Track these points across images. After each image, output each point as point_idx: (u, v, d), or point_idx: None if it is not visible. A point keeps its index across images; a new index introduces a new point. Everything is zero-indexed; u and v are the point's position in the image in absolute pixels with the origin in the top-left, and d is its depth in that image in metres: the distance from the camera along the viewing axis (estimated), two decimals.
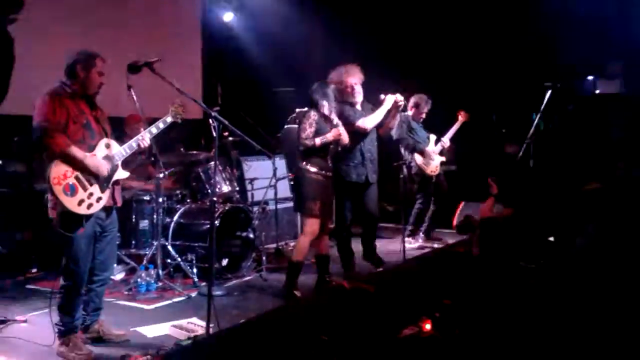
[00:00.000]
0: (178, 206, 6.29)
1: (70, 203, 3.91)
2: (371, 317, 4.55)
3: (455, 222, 8.02)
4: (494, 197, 4.88)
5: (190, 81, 8.23)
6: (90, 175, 4.01)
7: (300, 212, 5.63)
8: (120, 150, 4.24)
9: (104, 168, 4.07)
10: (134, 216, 6.10)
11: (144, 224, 6.13)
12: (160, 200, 5.88)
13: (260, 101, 8.90)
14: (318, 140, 5.31)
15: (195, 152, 6.45)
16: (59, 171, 3.89)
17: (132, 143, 4.31)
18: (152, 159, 5.73)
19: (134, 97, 4.64)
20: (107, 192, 4.14)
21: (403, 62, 8.57)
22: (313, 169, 5.37)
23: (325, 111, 5.41)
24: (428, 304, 4.40)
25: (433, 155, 7.46)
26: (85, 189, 3.98)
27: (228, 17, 9.02)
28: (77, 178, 3.95)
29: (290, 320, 4.82)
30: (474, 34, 8.53)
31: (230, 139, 6.91)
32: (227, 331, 4.44)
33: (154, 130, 4.47)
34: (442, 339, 3.94)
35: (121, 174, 4.27)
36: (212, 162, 6.19)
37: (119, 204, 4.34)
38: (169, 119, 4.63)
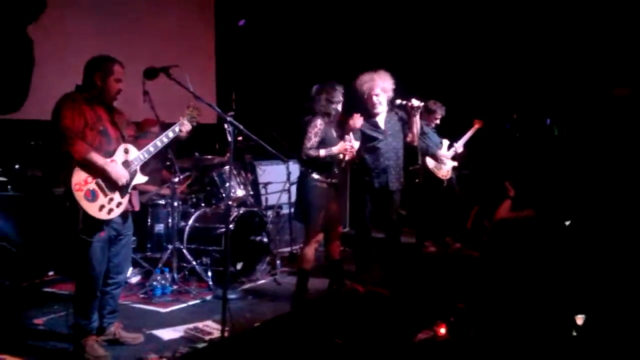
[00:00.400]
0: (193, 210, 6.33)
1: (92, 208, 3.95)
2: (386, 321, 4.55)
3: (469, 226, 8.00)
4: (511, 199, 4.85)
5: (205, 86, 8.28)
6: (110, 181, 4.04)
7: (304, 223, 5.41)
8: (138, 155, 4.26)
9: (124, 175, 4.10)
10: (149, 220, 6.14)
11: (160, 227, 6.17)
12: (176, 204, 5.92)
13: (274, 106, 8.93)
14: (323, 152, 5.14)
15: (209, 156, 6.48)
16: (79, 177, 3.92)
17: (150, 147, 4.32)
18: (168, 163, 5.78)
19: (151, 102, 4.68)
20: (127, 197, 4.18)
21: (419, 68, 8.57)
22: (317, 177, 5.23)
23: (318, 125, 5.19)
24: (442, 308, 4.40)
25: (445, 160, 7.46)
26: (105, 195, 4.02)
27: (242, 22, 9.06)
28: (97, 184, 3.99)
29: (304, 323, 4.83)
30: (488, 39, 8.52)
31: (244, 143, 6.93)
32: (242, 334, 4.46)
33: (170, 134, 4.47)
34: (457, 343, 3.94)
35: (140, 178, 4.30)
36: (227, 167, 6.23)
37: (137, 208, 4.37)
38: (185, 122, 4.62)
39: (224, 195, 6.25)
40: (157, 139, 4.37)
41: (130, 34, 7.39)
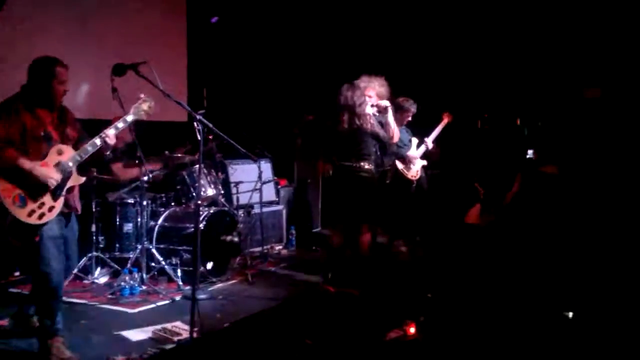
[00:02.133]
0: (162, 209, 6.26)
1: (21, 214, 3.85)
2: (356, 320, 4.56)
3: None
4: (481, 202, 4.91)
5: (176, 84, 8.19)
6: (40, 185, 3.91)
7: (364, 213, 5.59)
8: (74, 156, 4.08)
9: (53, 177, 3.94)
10: (117, 219, 6.06)
11: (128, 227, 6.09)
12: (145, 203, 5.86)
13: (245, 105, 8.89)
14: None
15: (179, 155, 6.42)
16: (6, 184, 3.83)
17: (88, 147, 4.12)
18: (136, 161, 5.71)
19: (120, 99, 4.59)
20: (61, 200, 4.03)
21: (392, 65, 8.59)
22: (368, 167, 5.60)
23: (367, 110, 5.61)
24: (412, 307, 4.42)
25: (414, 160, 7.42)
26: (35, 200, 3.90)
27: (214, 20, 8.99)
28: (25, 190, 3.87)
29: (274, 324, 4.82)
30: (461, 36, 8.57)
31: (215, 142, 6.88)
32: (211, 335, 4.43)
33: (112, 130, 4.25)
34: (426, 342, 3.96)
35: (76, 179, 4.14)
36: (197, 165, 6.17)
37: (79, 211, 4.27)
38: (129, 118, 4.41)
39: (194, 194, 6.20)
40: (96, 136, 4.18)
41: (101, 30, 7.27)
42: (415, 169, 7.37)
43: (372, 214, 5.61)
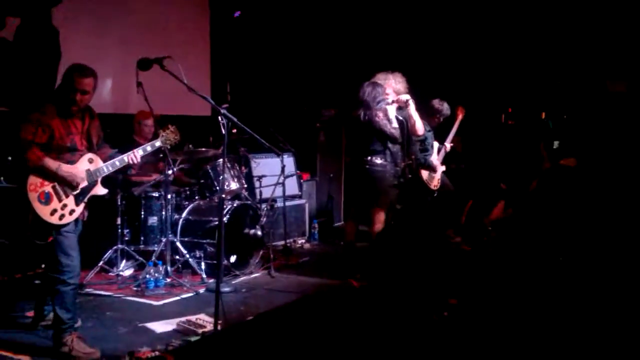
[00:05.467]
0: (186, 203, 6.31)
1: (44, 211, 3.94)
2: (377, 315, 4.55)
3: (463, 221, 7.96)
4: (505, 199, 4.87)
5: (199, 78, 8.22)
6: (67, 186, 4.03)
7: (375, 205, 5.68)
8: (102, 167, 4.26)
9: (79, 178, 4.08)
10: (142, 212, 6.11)
11: (153, 220, 6.14)
12: (169, 196, 5.90)
13: (268, 99, 8.90)
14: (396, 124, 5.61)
15: (203, 149, 6.45)
16: (35, 180, 3.93)
17: (116, 162, 4.35)
18: (161, 155, 5.75)
19: (144, 93, 4.64)
20: (82, 206, 4.16)
21: (414, 63, 8.53)
22: (379, 161, 5.64)
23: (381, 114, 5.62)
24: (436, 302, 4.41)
25: (437, 167, 7.21)
26: (60, 200, 4.01)
27: (237, 13, 9.00)
28: (53, 187, 3.99)
29: (297, 317, 4.83)
30: (481, 33, 8.49)
31: (239, 136, 6.90)
32: (235, 327, 4.46)
33: (140, 152, 4.54)
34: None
35: (99, 190, 4.28)
36: (221, 160, 6.20)
37: (85, 218, 4.33)
38: (157, 144, 4.76)
39: (217, 188, 6.23)
40: (125, 154, 4.42)
41: (125, 25, 7.32)
42: (437, 178, 7.22)
43: (383, 203, 5.64)
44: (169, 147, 4.97)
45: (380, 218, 5.64)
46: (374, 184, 5.66)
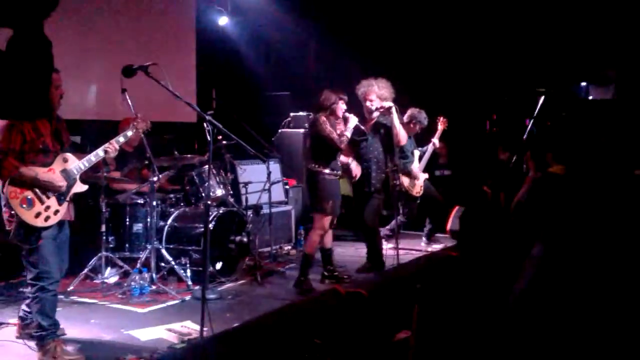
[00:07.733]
0: (172, 210, 6.29)
1: (28, 216, 3.94)
2: (365, 321, 4.56)
3: (448, 226, 7.99)
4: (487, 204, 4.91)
5: (185, 85, 8.23)
6: (47, 189, 4.03)
7: (314, 210, 5.86)
8: (78, 165, 4.26)
9: (58, 182, 4.08)
10: (127, 219, 6.09)
11: (138, 227, 6.12)
12: (154, 203, 5.88)
13: (254, 105, 8.91)
14: (348, 133, 5.69)
15: (189, 155, 6.44)
16: (14, 188, 3.93)
17: (92, 157, 4.35)
18: (146, 162, 5.74)
19: (129, 100, 4.64)
20: (65, 206, 4.16)
21: (399, 68, 8.57)
22: (325, 170, 5.72)
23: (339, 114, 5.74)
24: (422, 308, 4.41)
25: (418, 174, 7.28)
26: (42, 202, 4.01)
27: (222, 21, 9.02)
28: (34, 191, 3.99)
29: (284, 323, 4.83)
30: (464, 39, 8.54)
31: (224, 142, 6.89)
32: (221, 335, 4.44)
33: (115, 144, 4.51)
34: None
35: (79, 187, 4.28)
36: (206, 166, 6.19)
37: (72, 218, 4.34)
38: (129, 133, 4.75)
39: (203, 194, 6.22)
40: (99, 148, 4.41)
41: (110, 32, 7.31)
42: (419, 184, 7.26)
43: (324, 209, 5.73)
44: (141, 134, 4.99)
45: (321, 224, 5.78)
46: (315, 189, 5.77)
